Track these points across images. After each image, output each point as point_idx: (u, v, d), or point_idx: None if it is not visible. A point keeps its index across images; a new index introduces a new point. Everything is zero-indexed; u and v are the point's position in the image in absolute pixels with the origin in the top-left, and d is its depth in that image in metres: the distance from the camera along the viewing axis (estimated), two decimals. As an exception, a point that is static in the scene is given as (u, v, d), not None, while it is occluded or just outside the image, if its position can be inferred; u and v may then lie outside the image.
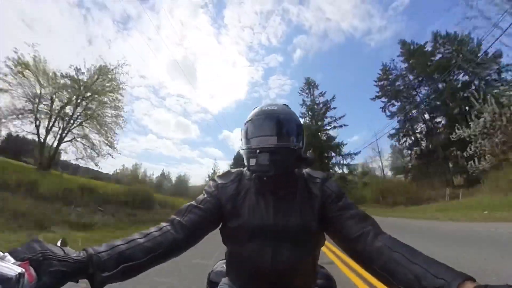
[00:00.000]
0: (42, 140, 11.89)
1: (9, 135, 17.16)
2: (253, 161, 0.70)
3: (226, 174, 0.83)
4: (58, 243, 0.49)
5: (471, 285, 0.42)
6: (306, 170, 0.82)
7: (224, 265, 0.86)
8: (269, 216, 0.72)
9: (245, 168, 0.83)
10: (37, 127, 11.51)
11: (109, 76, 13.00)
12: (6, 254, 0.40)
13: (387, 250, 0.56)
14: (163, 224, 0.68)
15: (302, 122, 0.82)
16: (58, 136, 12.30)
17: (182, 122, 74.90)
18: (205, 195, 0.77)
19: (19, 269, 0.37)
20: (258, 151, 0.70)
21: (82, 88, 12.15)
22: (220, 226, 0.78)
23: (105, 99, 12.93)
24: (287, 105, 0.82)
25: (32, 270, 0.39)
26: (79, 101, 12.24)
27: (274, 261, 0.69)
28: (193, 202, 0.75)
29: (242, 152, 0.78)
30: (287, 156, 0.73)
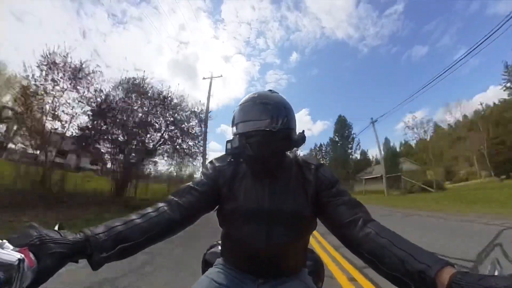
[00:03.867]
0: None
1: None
2: (246, 145, 0.70)
3: (223, 158, 0.83)
4: (56, 228, 0.48)
5: (451, 270, 0.44)
6: (301, 157, 0.83)
7: (219, 246, 0.89)
8: (264, 200, 0.73)
9: None
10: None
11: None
12: (5, 241, 0.39)
13: (375, 236, 0.59)
14: (160, 204, 0.69)
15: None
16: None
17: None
18: (203, 177, 0.78)
19: (18, 255, 0.37)
20: (252, 134, 0.71)
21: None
22: (216, 208, 0.79)
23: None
24: (274, 91, 0.81)
25: (31, 255, 0.39)
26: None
27: (268, 243, 0.71)
28: (190, 184, 0.76)
29: (233, 137, 0.77)
30: (278, 138, 0.72)
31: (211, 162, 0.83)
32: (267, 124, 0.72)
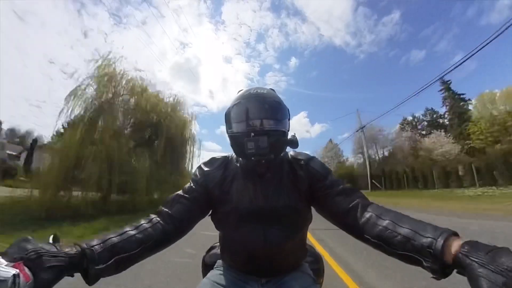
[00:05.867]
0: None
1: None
2: (251, 144, 0.66)
3: (211, 161, 0.81)
4: (50, 239, 0.48)
5: (458, 241, 0.43)
6: (290, 153, 0.82)
7: (218, 248, 0.88)
8: (257, 198, 0.72)
9: (231, 154, 0.81)
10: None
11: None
12: None
13: (376, 219, 0.59)
14: (152, 215, 0.68)
15: None
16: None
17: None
18: (192, 184, 0.76)
19: (13, 270, 0.36)
20: (252, 134, 0.67)
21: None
22: (210, 213, 0.78)
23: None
24: (273, 90, 0.78)
25: (26, 270, 0.39)
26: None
27: (266, 242, 0.70)
28: (180, 192, 0.75)
29: (230, 136, 0.73)
30: (281, 139, 0.71)
31: (199, 167, 0.81)
32: (281, 123, 0.71)
